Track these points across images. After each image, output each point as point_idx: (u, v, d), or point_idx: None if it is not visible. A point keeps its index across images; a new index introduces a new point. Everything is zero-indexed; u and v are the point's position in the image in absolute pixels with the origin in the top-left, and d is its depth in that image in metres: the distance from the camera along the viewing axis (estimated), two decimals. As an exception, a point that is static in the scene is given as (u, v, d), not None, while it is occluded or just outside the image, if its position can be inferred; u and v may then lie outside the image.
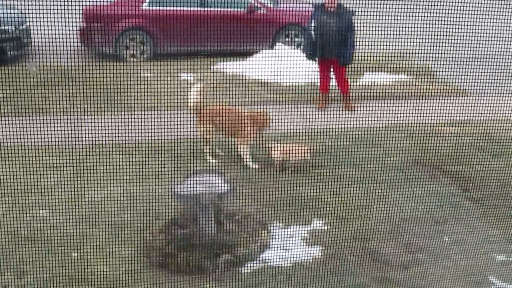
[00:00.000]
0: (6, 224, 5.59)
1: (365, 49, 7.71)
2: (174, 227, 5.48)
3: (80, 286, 4.78)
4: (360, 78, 10.63)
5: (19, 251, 5.17)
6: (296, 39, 13.38)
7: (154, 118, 5.82)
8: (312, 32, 9.18)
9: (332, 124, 7.66)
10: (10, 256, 5.12)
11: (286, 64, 10.59)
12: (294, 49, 12.33)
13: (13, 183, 5.85)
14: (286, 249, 5.33)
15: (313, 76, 10.10)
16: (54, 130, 6.40)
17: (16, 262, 5.03)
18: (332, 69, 9.41)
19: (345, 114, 8.97)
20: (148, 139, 6.16)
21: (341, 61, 9.09)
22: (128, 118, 5.43)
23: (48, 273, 4.88)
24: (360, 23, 8.58)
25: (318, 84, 9.69)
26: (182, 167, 5.89)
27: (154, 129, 5.73)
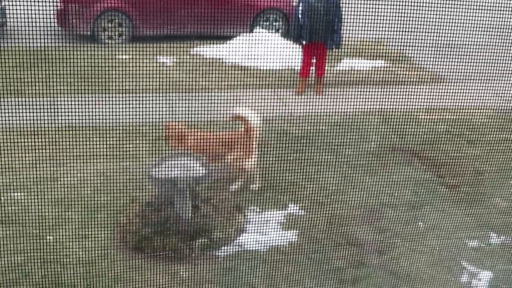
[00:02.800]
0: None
1: (346, 34, 7.72)
2: (150, 210, 5.46)
3: (55, 269, 4.75)
4: (338, 64, 10.65)
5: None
6: (275, 23, 13.35)
7: (131, 100, 5.78)
8: (300, 15, 9.18)
9: (310, 109, 7.67)
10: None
11: (265, 49, 10.57)
12: (273, 33, 12.30)
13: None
14: (262, 233, 5.34)
15: (292, 61, 10.10)
16: (29, 112, 6.33)
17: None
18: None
19: (322, 99, 8.99)
20: (124, 122, 6.12)
21: (328, 44, 9.12)
22: (104, 100, 5.38)
23: (22, 256, 4.85)
24: (343, 8, 8.59)
25: (298, 68, 9.71)
26: (158, 150, 5.87)
27: (131, 112, 5.70)
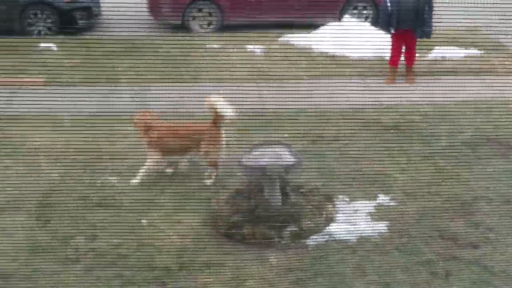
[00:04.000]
0: (78, 189, 5.76)
1: (438, 23, 7.53)
2: (240, 197, 5.52)
3: (148, 252, 4.89)
4: (429, 52, 10.40)
5: (91, 216, 5.33)
6: (364, 12, 13.18)
7: (220, 89, 5.85)
8: (389, 3, 9.04)
9: (400, 99, 7.53)
10: (82, 221, 5.28)
11: (353, 37, 10.45)
12: (362, 21, 12.15)
13: (84, 150, 6.02)
14: (351, 223, 5.30)
15: (381, 50, 9.94)
16: (122, 99, 6.54)
17: (87, 227, 5.18)
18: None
19: (413, 89, 8.81)
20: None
21: (419, 34, 8.94)
22: (194, 88, 5.48)
23: (118, 239, 5.02)
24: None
25: (388, 58, 9.55)
26: (249, 138, 5.91)
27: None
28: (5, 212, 5.40)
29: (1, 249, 4.86)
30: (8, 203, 5.49)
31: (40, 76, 7.50)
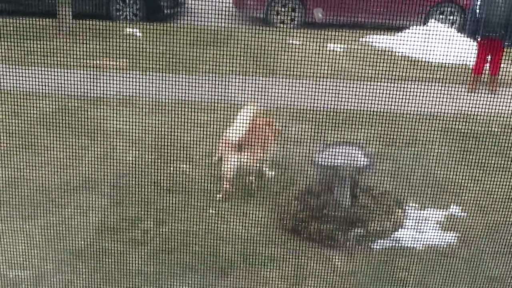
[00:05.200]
0: (150, 174, 5.89)
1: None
2: (309, 195, 5.52)
3: (214, 241, 4.95)
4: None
5: (160, 201, 5.44)
6: (451, 17, 12.88)
7: (298, 85, 5.85)
8: (478, 9, 8.82)
9: (482, 108, 7.32)
10: (152, 205, 5.41)
11: (438, 42, 10.23)
12: (447, 27, 11.89)
13: (158, 138, 6.15)
14: (420, 231, 5.22)
15: (465, 57, 9.70)
16: (201, 89, 6.61)
17: (156, 211, 5.30)
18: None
19: (496, 99, 8.55)
20: (288, 106, 6.20)
21: (507, 42, 8.69)
22: (271, 83, 5.50)
23: (185, 225, 5.11)
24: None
25: (472, 65, 9.32)
26: (323, 136, 5.89)
27: (298, 96, 5.78)
28: (80, 191, 5.58)
29: (74, 226, 5.03)
30: (83, 182, 5.67)
31: (124, 61, 7.70)
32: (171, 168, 6.06)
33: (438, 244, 5.04)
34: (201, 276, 4.55)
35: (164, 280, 4.49)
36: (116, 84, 5.27)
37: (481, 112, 7.11)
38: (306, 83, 5.64)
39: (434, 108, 7.07)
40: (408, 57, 10.14)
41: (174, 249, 4.84)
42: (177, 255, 4.75)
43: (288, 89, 5.91)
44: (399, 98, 6.67)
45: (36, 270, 4.47)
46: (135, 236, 4.97)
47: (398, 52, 10.33)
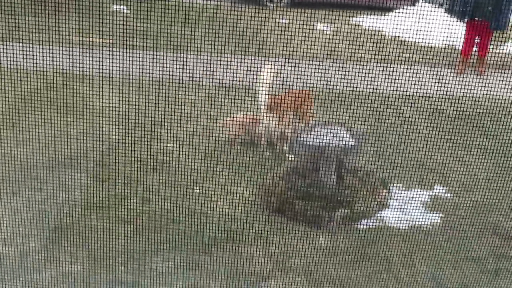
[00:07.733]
0: (136, 152, 5.87)
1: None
2: (295, 175, 5.52)
3: (199, 219, 4.95)
4: (504, 45, 10.09)
5: (146, 179, 5.43)
6: (440, -2, 12.88)
7: (287, 65, 5.82)
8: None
9: (469, 90, 7.33)
10: (137, 183, 5.39)
11: (426, 24, 10.22)
12: (436, 8, 11.87)
13: (145, 115, 6.11)
14: (404, 211, 5.24)
15: (454, 39, 9.70)
16: (189, 67, 6.56)
17: (142, 189, 5.29)
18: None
19: (483, 81, 8.57)
20: (276, 86, 6.18)
21: (493, 25, 8.68)
22: (257, 62, 5.47)
23: (170, 204, 5.10)
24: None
25: (460, 47, 9.32)
26: (312, 116, 5.88)
27: (286, 76, 5.75)
28: (64, 168, 5.55)
29: (58, 204, 5.01)
30: (68, 160, 5.64)
31: (110, 37, 7.63)
32: (157, 147, 6.04)
33: (422, 224, 5.07)
34: (186, 254, 4.55)
35: (149, 258, 4.49)
36: (102, 61, 5.22)
37: (468, 94, 7.12)
38: (293, 63, 5.62)
39: (421, 90, 7.08)
40: (397, 38, 10.12)
41: (159, 227, 4.83)
42: (162, 233, 4.75)
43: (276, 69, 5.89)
44: (386, 79, 6.67)
45: (19, 247, 4.46)
46: (120, 213, 4.96)
47: (387, 33, 10.31)
